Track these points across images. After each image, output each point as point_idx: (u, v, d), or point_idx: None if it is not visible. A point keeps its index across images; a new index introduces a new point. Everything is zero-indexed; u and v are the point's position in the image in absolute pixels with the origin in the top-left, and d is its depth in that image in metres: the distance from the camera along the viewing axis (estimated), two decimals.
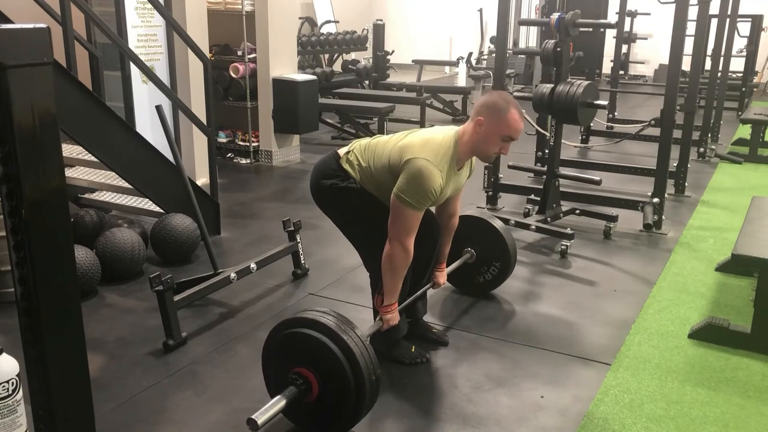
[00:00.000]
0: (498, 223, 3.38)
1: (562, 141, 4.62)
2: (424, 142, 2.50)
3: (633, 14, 11.81)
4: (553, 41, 4.29)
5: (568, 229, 4.24)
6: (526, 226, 4.33)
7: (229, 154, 6.51)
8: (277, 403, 2.16)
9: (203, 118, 4.37)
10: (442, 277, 3.00)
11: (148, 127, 5.08)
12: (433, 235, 2.84)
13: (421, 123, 7.65)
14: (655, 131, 4.96)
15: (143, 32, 5.17)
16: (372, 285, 2.80)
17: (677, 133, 5.13)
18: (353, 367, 2.16)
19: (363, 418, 2.29)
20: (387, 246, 2.51)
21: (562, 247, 4.13)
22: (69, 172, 4.44)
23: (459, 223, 2.97)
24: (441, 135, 2.56)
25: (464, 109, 8.94)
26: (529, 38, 13.99)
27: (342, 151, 2.71)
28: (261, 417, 2.08)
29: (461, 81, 10.90)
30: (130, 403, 2.54)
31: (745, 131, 7.43)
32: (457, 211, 2.90)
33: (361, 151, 2.66)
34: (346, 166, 2.65)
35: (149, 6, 4.80)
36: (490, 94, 2.61)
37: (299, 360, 2.24)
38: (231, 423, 2.43)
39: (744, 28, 9.64)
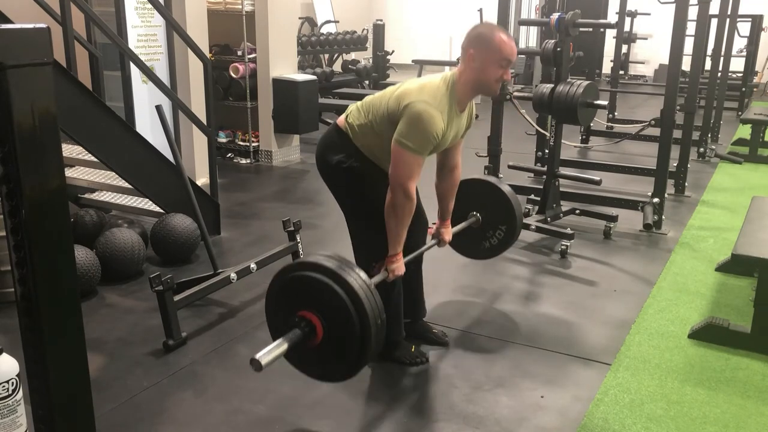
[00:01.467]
0: (504, 187, 3.32)
1: (562, 141, 4.62)
2: (421, 87, 2.47)
3: (633, 14, 11.80)
4: (553, 41, 4.29)
5: (568, 229, 4.24)
6: (526, 226, 4.33)
7: (229, 154, 6.51)
8: (281, 345, 2.09)
9: (203, 118, 4.37)
10: (447, 234, 2.94)
11: (148, 127, 5.08)
12: (422, 221, 2.82)
13: None
14: (655, 131, 4.96)
15: (143, 32, 5.18)
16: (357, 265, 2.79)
17: (677, 133, 5.13)
18: (358, 309, 2.10)
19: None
20: (389, 194, 2.46)
21: (562, 247, 4.13)
22: (69, 172, 4.44)
23: (464, 187, 2.92)
24: (438, 78, 2.52)
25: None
26: (529, 38, 13.99)
27: (341, 118, 2.68)
28: (264, 357, 2.02)
29: None
30: (130, 403, 2.54)
31: (745, 131, 7.43)
32: (459, 163, 2.84)
33: (358, 109, 2.63)
34: (348, 130, 2.61)
35: (149, 6, 4.80)
36: (473, 27, 2.57)
37: (303, 304, 2.17)
38: (231, 423, 2.43)
39: (744, 28, 9.64)
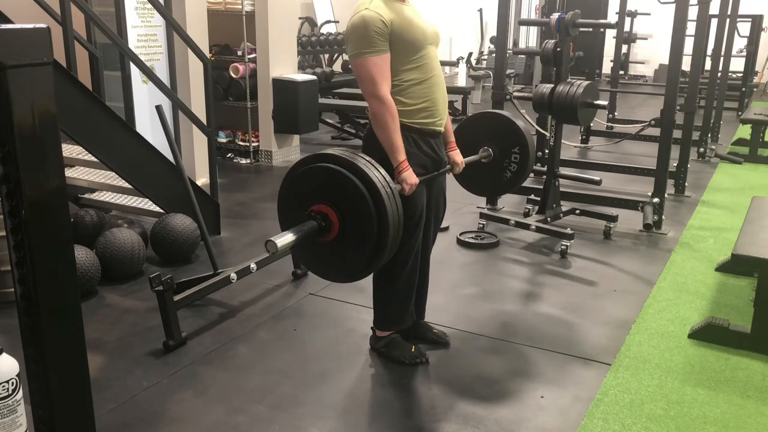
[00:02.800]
0: (506, 113, 3.32)
1: (562, 141, 4.62)
2: (358, 3, 2.49)
3: (633, 14, 11.81)
4: (553, 41, 4.29)
5: (568, 229, 4.24)
6: (526, 226, 4.33)
7: (229, 154, 6.51)
8: (296, 232, 2.01)
9: (203, 118, 4.37)
10: (457, 156, 2.87)
11: (148, 127, 5.08)
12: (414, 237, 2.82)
13: None
14: (655, 131, 4.96)
15: (143, 32, 5.17)
16: (374, 288, 2.78)
17: (677, 133, 5.13)
18: (376, 200, 2.02)
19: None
20: (369, 108, 2.47)
21: (562, 247, 4.13)
22: (69, 172, 4.44)
23: (472, 123, 2.88)
24: None
25: (464, 109, 8.94)
26: (529, 38, 13.99)
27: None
28: (280, 240, 1.96)
29: (461, 81, 10.90)
30: (130, 403, 2.54)
31: (745, 131, 7.43)
32: (439, 69, 2.70)
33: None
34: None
35: (149, 6, 4.80)
36: None
37: (317, 197, 2.10)
38: (231, 423, 2.43)
39: (744, 28, 9.64)
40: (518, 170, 3.35)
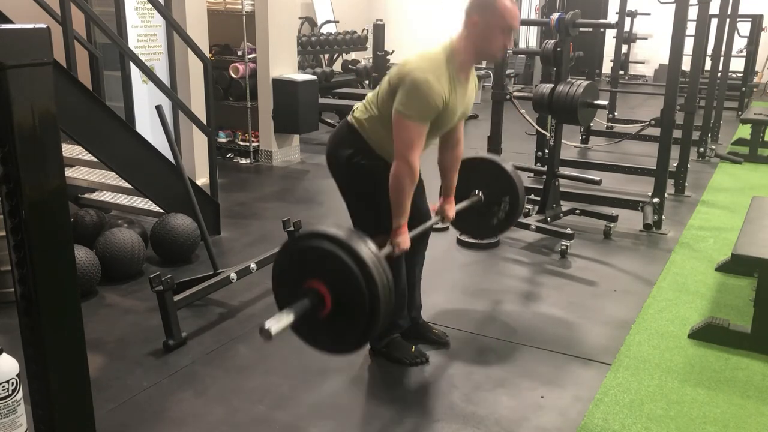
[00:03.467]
0: (498, 159, 3.33)
1: (562, 141, 4.63)
2: (420, 56, 2.45)
3: (633, 14, 11.80)
4: (553, 41, 4.29)
5: (568, 229, 4.24)
6: (526, 226, 4.33)
7: (229, 154, 6.51)
8: (289, 314, 2.06)
9: (203, 118, 4.37)
10: (451, 210, 2.92)
11: (148, 127, 5.08)
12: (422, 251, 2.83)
13: None
14: (655, 131, 4.97)
15: (143, 32, 5.17)
16: None
17: (677, 133, 5.13)
18: (366, 276, 2.07)
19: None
20: (393, 165, 2.45)
21: (562, 247, 4.13)
22: (69, 172, 4.44)
23: (463, 168, 2.91)
24: (438, 46, 2.51)
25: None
26: (529, 38, 13.99)
27: (349, 115, 2.68)
28: (274, 326, 1.98)
29: None
30: (130, 403, 2.54)
31: (745, 131, 7.43)
32: (461, 139, 2.81)
33: (364, 104, 2.64)
34: (356, 125, 2.61)
35: (149, 6, 4.80)
36: None
37: (310, 274, 2.14)
38: (231, 423, 2.43)
39: (744, 28, 9.64)
40: (505, 220, 3.34)
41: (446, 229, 4.49)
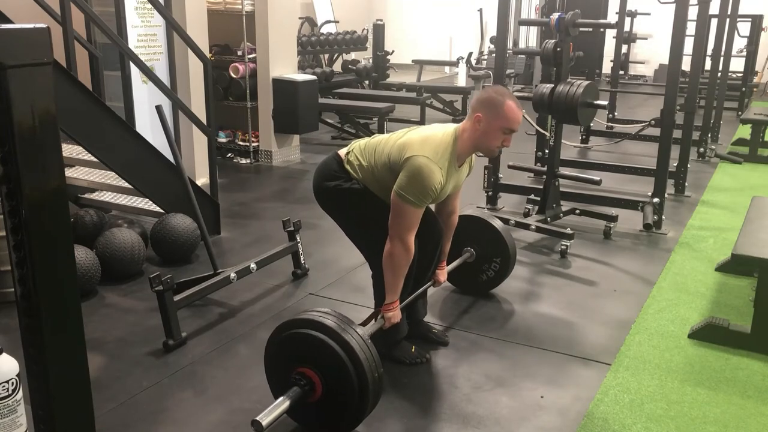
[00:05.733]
0: (496, 222, 3.40)
1: (562, 141, 4.62)
2: (424, 140, 2.51)
3: (633, 14, 11.81)
4: (553, 41, 4.29)
5: (568, 229, 4.24)
6: (526, 226, 4.33)
7: (229, 154, 6.51)
8: (282, 404, 2.16)
9: (203, 118, 4.37)
10: (442, 275, 3.00)
11: (148, 127, 5.08)
12: (435, 236, 2.84)
13: (421, 123, 7.66)
14: (655, 131, 4.97)
15: (143, 32, 5.18)
16: (374, 286, 2.80)
17: (677, 133, 5.13)
18: (356, 365, 2.17)
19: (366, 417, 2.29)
20: (388, 244, 2.51)
21: (562, 247, 4.13)
22: (69, 172, 4.44)
23: (458, 224, 2.98)
24: (440, 132, 2.56)
25: (464, 109, 8.93)
26: (529, 38, 14.00)
27: (342, 152, 2.72)
28: (265, 418, 2.08)
29: (461, 81, 10.90)
30: (130, 403, 2.54)
31: (745, 131, 7.43)
32: (457, 209, 2.90)
33: (360, 150, 2.67)
34: (348, 167, 2.66)
35: (149, 6, 4.80)
36: (485, 90, 2.63)
37: (302, 360, 2.24)
38: (231, 423, 2.43)
39: (744, 28, 9.64)
40: (494, 278, 3.43)
41: None
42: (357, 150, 2.68)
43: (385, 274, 2.56)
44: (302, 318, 2.29)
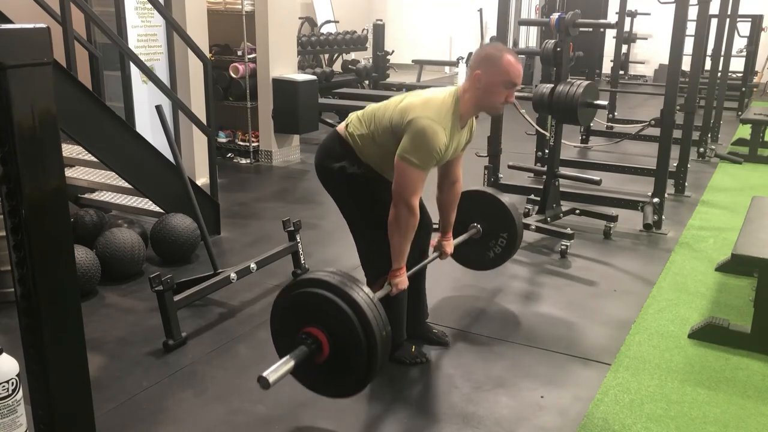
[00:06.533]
0: (503, 197, 3.35)
1: (562, 141, 4.62)
2: (425, 102, 2.48)
3: (633, 14, 11.81)
4: (553, 41, 4.29)
5: (568, 229, 4.24)
6: (526, 226, 4.32)
7: (229, 154, 6.51)
8: (288, 362, 2.10)
9: (203, 118, 4.37)
10: (449, 246, 2.96)
11: (148, 127, 5.08)
12: (425, 224, 2.82)
13: None
14: (655, 131, 4.96)
15: (143, 32, 5.17)
16: (363, 262, 2.78)
17: (677, 133, 5.13)
18: (363, 322, 2.11)
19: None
20: (392, 210, 2.47)
21: (562, 247, 4.13)
22: (69, 172, 4.44)
23: (463, 199, 2.94)
24: (441, 94, 2.53)
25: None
26: (529, 38, 13.99)
27: (341, 127, 2.68)
28: (272, 375, 2.03)
29: (461, 81, 10.88)
30: (130, 403, 2.54)
31: (745, 131, 7.43)
32: (460, 177, 2.85)
33: (359, 119, 2.63)
34: (349, 139, 2.61)
35: (149, 6, 4.80)
36: (481, 48, 2.59)
37: (308, 320, 2.19)
38: (231, 423, 2.43)
39: (744, 28, 9.64)
40: (502, 254, 3.39)
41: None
42: (355, 120, 2.64)
43: (391, 239, 2.51)
44: (309, 278, 2.24)
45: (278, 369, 2.07)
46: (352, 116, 2.68)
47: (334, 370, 2.21)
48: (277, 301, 2.31)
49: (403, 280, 2.58)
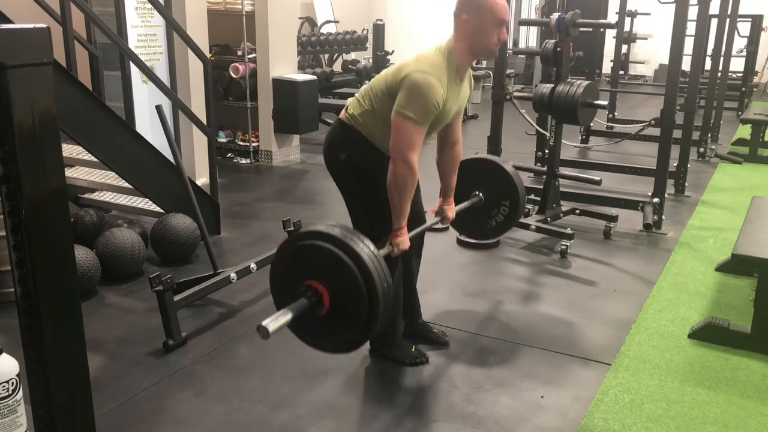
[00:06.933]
0: (505, 165, 3.31)
1: (562, 141, 4.62)
2: (418, 58, 2.46)
3: (633, 14, 11.81)
4: (553, 41, 4.29)
5: (568, 229, 4.24)
6: (526, 226, 4.33)
7: (229, 154, 6.51)
8: (287, 313, 2.05)
9: (203, 118, 4.37)
10: (450, 211, 2.92)
11: (148, 127, 5.08)
12: (419, 217, 2.81)
13: None
14: (655, 131, 4.97)
15: (143, 32, 5.18)
16: None
17: (677, 133, 5.13)
18: (365, 275, 2.07)
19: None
20: (391, 166, 2.44)
21: (562, 247, 4.13)
22: (69, 172, 4.44)
23: (465, 168, 2.91)
24: (433, 49, 2.50)
25: (464, 109, 8.93)
26: (529, 38, 13.98)
27: (342, 113, 2.66)
28: (272, 324, 1.98)
29: None
30: (130, 403, 2.54)
31: (745, 131, 7.43)
32: (460, 138, 2.82)
33: (358, 98, 2.62)
34: (351, 122, 2.59)
35: (149, 6, 4.80)
36: None
37: (308, 273, 2.14)
38: (231, 423, 2.43)
39: (744, 28, 9.64)
40: (504, 222, 3.34)
41: (446, 229, 4.49)
42: (354, 101, 2.63)
43: (391, 198, 2.47)
44: (308, 230, 2.19)
45: (278, 319, 2.01)
46: (350, 99, 2.67)
47: (335, 323, 2.15)
48: (278, 253, 2.25)
49: (404, 240, 2.51)
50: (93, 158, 3.92)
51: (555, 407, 2.56)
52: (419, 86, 2.36)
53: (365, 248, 2.12)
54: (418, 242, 2.89)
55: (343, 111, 2.67)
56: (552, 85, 4.21)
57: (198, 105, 4.87)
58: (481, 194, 3.26)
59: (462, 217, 3.09)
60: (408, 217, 2.57)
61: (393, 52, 9.95)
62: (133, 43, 5.04)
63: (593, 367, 2.86)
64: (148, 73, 4.10)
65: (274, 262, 2.27)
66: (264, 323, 1.96)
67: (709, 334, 3.06)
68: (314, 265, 2.15)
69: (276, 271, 2.28)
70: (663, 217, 4.64)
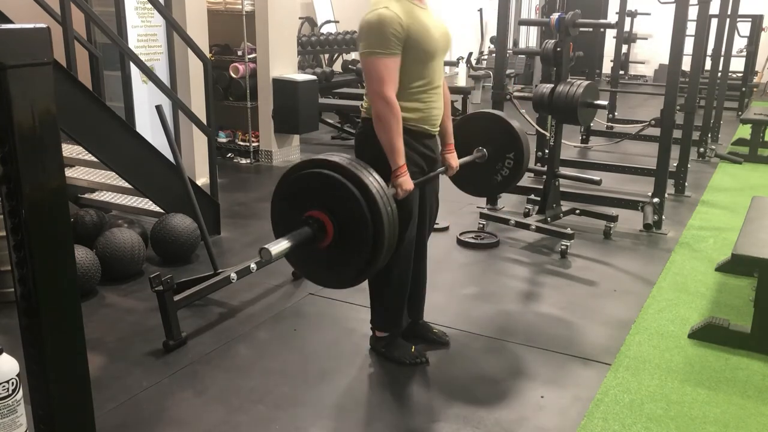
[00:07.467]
0: (506, 117, 3.30)
1: (562, 141, 4.62)
2: (370, 5, 2.45)
3: (633, 14, 11.82)
4: (553, 41, 4.29)
5: (568, 229, 4.24)
6: (526, 226, 4.33)
7: (229, 154, 6.51)
8: (290, 240, 2.00)
9: (203, 118, 4.37)
10: (453, 160, 2.87)
11: (148, 127, 5.08)
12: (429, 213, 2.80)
13: None
14: (655, 131, 4.96)
15: (143, 32, 5.18)
16: (370, 297, 2.79)
17: (677, 133, 5.13)
18: (372, 208, 2.02)
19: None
20: (372, 109, 2.44)
21: (562, 247, 4.13)
22: (69, 172, 4.44)
23: (467, 123, 2.86)
24: None
25: (464, 109, 8.93)
26: (529, 38, 13.99)
27: (363, 111, 2.66)
28: (274, 248, 1.94)
29: (461, 81, 10.90)
30: (130, 403, 2.54)
31: (745, 131, 7.43)
32: (445, 82, 2.75)
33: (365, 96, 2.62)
34: (366, 114, 2.58)
35: (149, 6, 4.80)
36: None
37: (311, 204, 2.09)
38: (231, 423, 2.43)
39: (744, 28, 9.64)
40: (509, 176, 3.31)
41: (446, 228, 4.49)
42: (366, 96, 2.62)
43: (380, 139, 2.44)
44: (312, 159, 2.13)
45: (280, 244, 1.96)
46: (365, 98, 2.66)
47: (338, 256, 2.09)
48: (280, 183, 2.20)
49: (406, 180, 2.46)
50: (93, 158, 3.92)
51: (555, 407, 2.56)
52: (368, 22, 2.40)
53: (371, 177, 2.06)
54: (429, 216, 2.84)
55: (363, 109, 2.68)
56: (552, 85, 4.21)
57: (198, 105, 4.87)
58: (484, 150, 3.24)
59: (465, 174, 3.04)
60: (414, 220, 2.57)
61: None
62: (133, 43, 5.04)
63: (593, 367, 2.86)
64: (148, 73, 4.10)
65: (276, 192, 2.19)
66: (266, 246, 1.91)
67: (709, 334, 3.06)
68: (317, 195, 2.08)
69: (277, 200, 2.20)
70: (663, 217, 4.64)
